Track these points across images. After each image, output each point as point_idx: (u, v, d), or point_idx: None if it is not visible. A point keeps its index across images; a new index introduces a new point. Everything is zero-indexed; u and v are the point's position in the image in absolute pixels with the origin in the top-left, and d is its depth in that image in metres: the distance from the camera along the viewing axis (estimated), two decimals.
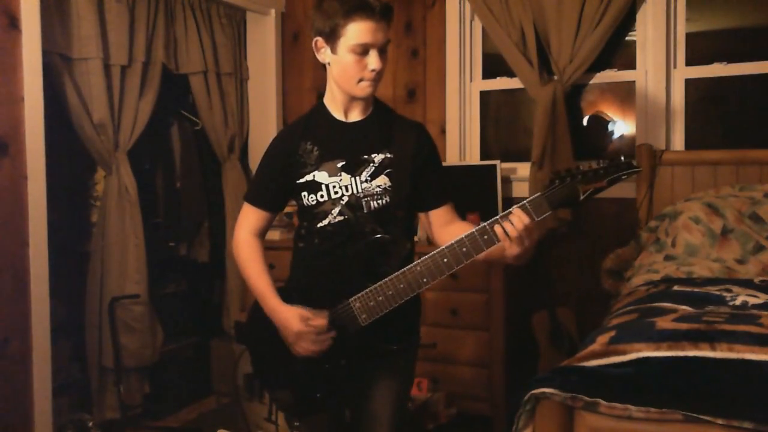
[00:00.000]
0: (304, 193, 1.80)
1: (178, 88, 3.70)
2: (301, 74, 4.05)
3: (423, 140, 1.84)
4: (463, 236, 1.61)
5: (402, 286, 1.67)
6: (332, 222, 1.78)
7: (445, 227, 1.84)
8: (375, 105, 1.85)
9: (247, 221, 1.90)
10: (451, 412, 3.12)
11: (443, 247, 1.64)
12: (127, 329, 3.21)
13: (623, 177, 1.57)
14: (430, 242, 1.90)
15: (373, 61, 1.70)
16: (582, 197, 1.57)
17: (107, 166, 3.20)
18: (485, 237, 1.60)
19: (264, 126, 4.04)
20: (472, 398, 3.15)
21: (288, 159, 1.81)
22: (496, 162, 3.38)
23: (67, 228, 3.26)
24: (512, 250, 1.59)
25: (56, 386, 2.77)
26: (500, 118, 3.81)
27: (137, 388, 3.31)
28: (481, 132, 3.74)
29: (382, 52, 1.72)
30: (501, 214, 1.61)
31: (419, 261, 1.66)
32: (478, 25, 3.68)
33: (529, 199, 1.59)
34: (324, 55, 1.76)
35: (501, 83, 3.67)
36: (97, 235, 3.22)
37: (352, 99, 1.79)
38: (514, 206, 1.59)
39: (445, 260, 1.63)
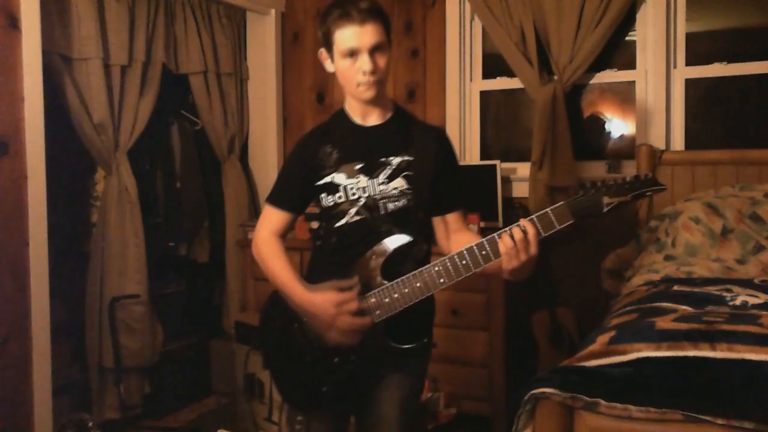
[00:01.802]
0: (323, 195, 1.83)
1: (178, 88, 3.70)
2: (301, 74, 4.05)
3: (443, 144, 1.85)
4: (484, 240, 1.62)
5: (418, 284, 1.68)
6: (349, 222, 1.80)
7: (454, 234, 1.85)
8: (395, 110, 1.87)
9: (269, 222, 1.90)
10: (451, 412, 3.12)
11: (462, 249, 1.64)
12: (127, 329, 3.21)
13: (648, 193, 1.59)
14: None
15: (363, 63, 1.70)
16: (605, 209, 1.58)
17: (107, 166, 3.20)
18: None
19: (264, 126, 4.04)
20: (472, 398, 3.15)
21: (309, 162, 1.84)
22: (496, 162, 3.38)
23: (67, 228, 3.25)
24: (509, 263, 1.58)
25: (56, 386, 2.77)
26: (500, 118, 3.81)
27: (137, 388, 3.31)
28: (481, 132, 3.73)
29: (375, 52, 1.71)
30: (513, 224, 1.60)
31: (437, 261, 1.67)
32: (478, 25, 3.68)
33: (552, 207, 1.59)
34: (328, 64, 1.80)
35: (501, 83, 3.67)
36: (97, 235, 3.22)
37: (366, 104, 1.81)
38: (521, 220, 1.59)
39: (464, 262, 1.64)
